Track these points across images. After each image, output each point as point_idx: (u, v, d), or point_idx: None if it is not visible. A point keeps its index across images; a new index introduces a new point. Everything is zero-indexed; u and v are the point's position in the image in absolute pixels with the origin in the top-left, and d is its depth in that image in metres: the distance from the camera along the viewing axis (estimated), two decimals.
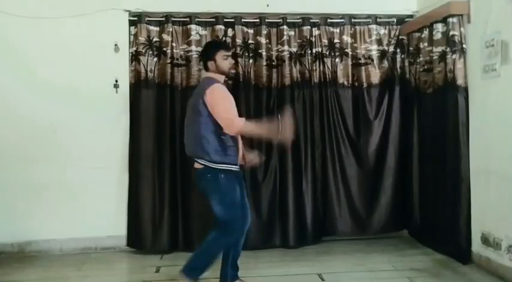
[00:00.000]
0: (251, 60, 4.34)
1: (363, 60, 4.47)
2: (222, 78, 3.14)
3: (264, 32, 4.33)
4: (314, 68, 4.41)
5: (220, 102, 2.99)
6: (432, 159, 4.11)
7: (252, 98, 4.32)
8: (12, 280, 3.59)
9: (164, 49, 4.24)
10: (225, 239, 3.08)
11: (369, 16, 4.46)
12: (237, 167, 3.09)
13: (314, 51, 4.42)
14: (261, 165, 4.32)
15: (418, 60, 4.30)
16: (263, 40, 4.33)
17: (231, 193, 3.04)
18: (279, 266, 3.83)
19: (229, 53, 3.21)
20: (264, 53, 4.34)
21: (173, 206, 4.20)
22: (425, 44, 4.13)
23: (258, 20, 4.34)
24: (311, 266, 3.79)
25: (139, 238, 4.21)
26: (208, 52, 3.17)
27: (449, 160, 3.83)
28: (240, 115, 3.11)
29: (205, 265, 3.11)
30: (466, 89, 3.73)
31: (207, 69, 3.17)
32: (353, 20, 4.45)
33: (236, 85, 4.30)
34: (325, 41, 4.43)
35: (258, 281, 3.45)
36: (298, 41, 4.40)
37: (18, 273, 3.71)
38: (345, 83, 4.46)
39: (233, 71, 3.24)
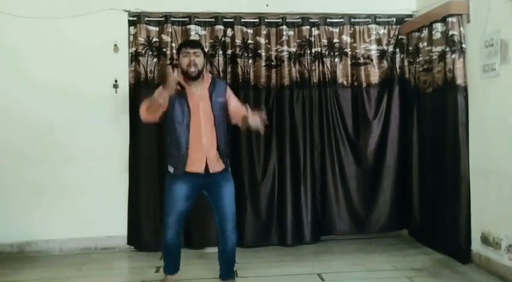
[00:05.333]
0: (250, 61, 4.34)
1: (362, 60, 4.47)
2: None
3: (264, 32, 4.33)
4: (313, 68, 4.42)
5: None
6: (432, 158, 4.11)
7: (251, 98, 4.32)
8: (12, 280, 3.59)
9: (164, 50, 4.24)
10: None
11: (368, 16, 4.46)
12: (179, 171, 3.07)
13: (313, 51, 4.42)
14: (260, 165, 4.35)
15: (417, 60, 4.30)
16: (262, 40, 4.33)
17: (167, 194, 3.15)
18: (279, 265, 3.83)
19: (190, 51, 3.05)
20: (263, 53, 4.34)
21: None
22: (425, 43, 4.13)
23: (257, 20, 4.34)
24: (311, 266, 3.79)
25: (140, 237, 4.22)
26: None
27: (449, 160, 3.83)
28: None
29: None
30: (465, 89, 3.73)
31: None
32: (352, 20, 4.45)
33: (235, 85, 4.30)
34: (324, 40, 4.43)
35: (258, 281, 3.44)
36: (298, 41, 4.40)
37: (18, 274, 3.71)
38: (344, 82, 4.47)
39: (192, 69, 3.01)
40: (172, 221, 3.12)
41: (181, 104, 3.05)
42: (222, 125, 3.15)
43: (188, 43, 3.24)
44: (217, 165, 3.12)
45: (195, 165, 3.07)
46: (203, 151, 3.06)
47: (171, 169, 3.12)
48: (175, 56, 4.24)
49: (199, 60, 3.06)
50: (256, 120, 3.01)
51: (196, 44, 3.19)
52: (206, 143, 3.07)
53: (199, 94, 3.10)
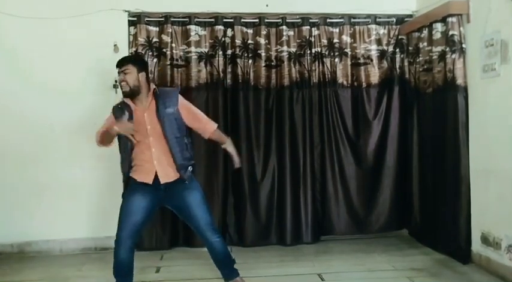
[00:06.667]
0: (250, 61, 4.34)
1: (362, 60, 4.48)
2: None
3: (263, 32, 4.34)
4: (313, 68, 4.42)
5: None
6: (432, 158, 4.11)
7: (251, 98, 4.33)
8: (12, 281, 3.59)
9: (164, 50, 4.24)
10: None
11: (368, 16, 4.47)
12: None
13: (313, 51, 4.42)
14: (260, 165, 4.35)
15: (417, 60, 4.30)
16: (262, 40, 4.33)
17: (121, 206, 3.07)
18: (279, 265, 3.83)
19: (119, 70, 3.04)
20: (263, 54, 4.34)
21: None
22: (425, 43, 4.13)
23: (257, 20, 4.34)
24: (311, 266, 3.79)
25: (139, 238, 4.21)
26: None
27: (449, 160, 3.83)
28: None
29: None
30: (465, 89, 3.73)
31: None
32: (352, 20, 4.46)
33: (235, 86, 4.32)
34: (324, 41, 4.43)
35: (258, 281, 3.44)
36: (298, 41, 4.40)
37: (18, 274, 3.71)
38: (344, 83, 4.47)
39: (123, 89, 3.00)
40: (125, 236, 2.96)
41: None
42: (177, 135, 3.02)
43: (118, 62, 3.12)
44: (170, 176, 3.01)
45: (143, 175, 3.00)
46: (152, 163, 2.98)
47: (123, 177, 3.08)
48: (175, 56, 4.27)
49: (130, 77, 2.98)
50: (233, 152, 3.14)
51: (126, 61, 3.10)
52: (156, 154, 2.99)
53: (144, 106, 3.04)
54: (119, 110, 3.05)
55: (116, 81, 4.22)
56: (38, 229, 4.17)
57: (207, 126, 3.18)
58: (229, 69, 4.34)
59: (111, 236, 4.21)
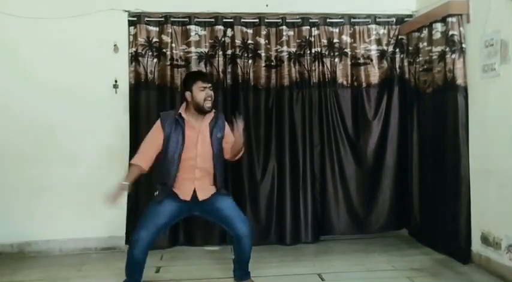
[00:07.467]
0: (250, 61, 4.34)
1: (362, 60, 4.47)
2: (184, 110, 3.12)
3: (263, 32, 4.34)
4: (313, 68, 4.42)
5: None
6: (432, 158, 4.11)
7: (251, 99, 4.33)
8: (12, 281, 3.58)
9: (164, 50, 4.24)
10: None
11: (368, 16, 4.47)
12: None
13: (313, 51, 4.42)
14: (260, 165, 4.35)
15: (417, 60, 4.30)
16: (262, 40, 4.33)
17: (150, 207, 3.09)
18: (279, 265, 3.82)
19: (207, 85, 3.08)
20: (263, 54, 4.34)
21: None
22: (425, 43, 4.13)
23: (257, 20, 4.34)
24: (311, 266, 3.78)
25: None
26: (186, 82, 3.16)
27: (449, 160, 3.83)
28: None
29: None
30: (465, 89, 3.73)
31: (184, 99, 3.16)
32: (352, 20, 4.45)
33: (235, 86, 4.31)
34: (324, 41, 4.43)
35: (258, 281, 3.44)
36: (298, 41, 4.40)
37: (18, 274, 3.71)
38: (344, 83, 4.47)
39: (209, 105, 3.05)
40: (145, 236, 2.96)
41: (177, 135, 3.05)
42: (220, 159, 3.15)
43: (205, 78, 3.17)
44: (208, 194, 3.10)
45: (181, 193, 3.06)
46: (193, 183, 3.06)
47: (157, 195, 3.10)
48: (175, 56, 4.26)
49: (213, 95, 3.10)
50: (239, 132, 3.04)
51: (211, 79, 3.25)
52: (199, 175, 3.06)
53: (199, 128, 3.09)
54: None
55: (115, 81, 4.23)
56: (38, 229, 4.17)
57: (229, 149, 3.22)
58: (229, 69, 4.33)
59: (111, 236, 4.27)
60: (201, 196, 3.07)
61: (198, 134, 3.07)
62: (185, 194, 3.06)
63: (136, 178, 3.12)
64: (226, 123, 3.22)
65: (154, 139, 3.11)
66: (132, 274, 3.03)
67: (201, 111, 3.08)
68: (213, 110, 3.16)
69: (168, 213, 3.03)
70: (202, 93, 3.04)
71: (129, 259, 2.99)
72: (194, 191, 3.06)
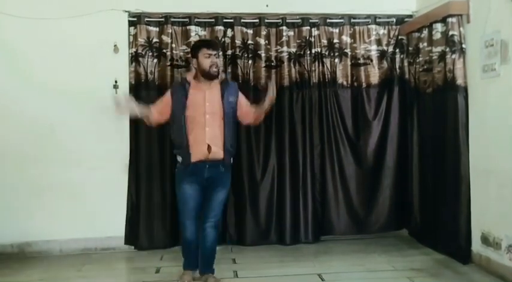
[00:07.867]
0: (250, 61, 4.35)
1: (362, 61, 4.48)
2: (192, 76, 3.24)
3: (263, 32, 4.34)
4: (313, 68, 4.42)
5: None
6: (432, 159, 4.11)
7: (251, 99, 4.30)
8: (12, 281, 3.59)
9: (164, 51, 4.24)
10: None
11: (368, 16, 4.47)
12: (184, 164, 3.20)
13: (313, 51, 4.42)
14: (260, 165, 4.35)
15: (417, 60, 4.30)
16: (262, 41, 4.34)
17: (178, 193, 3.30)
18: (279, 265, 3.82)
19: (212, 52, 3.16)
20: (263, 54, 4.35)
21: (173, 206, 4.20)
22: (425, 44, 4.14)
23: (257, 21, 4.35)
24: (311, 266, 3.78)
25: (138, 236, 4.23)
26: (192, 49, 3.28)
27: (449, 160, 3.83)
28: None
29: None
30: (465, 89, 3.73)
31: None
32: (352, 20, 4.46)
33: None
34: (324, 41, 4.44)
35: (258, 281, 3.44)
36: (298, 41, 4.40)
37: (18, 274, 3.71)
38: (344, 83, 4.47)
39: (214, 70, 3.15)
40: (188, 223, 3.23)
41: (181, 96, 3.18)
42: (231, 122, 3.24)
43: (210, 44, 3.28)
44: (218, 154, 3.18)
45: (198, 154, 3.15)
46: (205, 141, 3.14)
47: (179, 158, 3.23)
48: (175, 57, 4.27)
49: (219, 62, 3.21)
50: (271, 95, 3.18)
51: (217, 45, 3.32)
52: (209, 133, 3.14)
53: (206, 89, 3.19)
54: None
55: (116, 82, 4.23)
56: (38, 229, 4.17)
57: (248, 113, 3.34)
58: (229, 70, 4.34)
59: (111, 236, 4.27)
60: (213, 155, 3.15)
61: (204, 93, 3.17)
62: (200, 152, 3.14)
63: (143, 115, 3.28)
64: (240, 92, 3.34)
65: (164, 99, 3.29)
66: (188, 255, 3.34)
67: (207, 76, 3.17)
68: (224, 75, 3.30)
69: (194, 196, 3.20)
70: (207, 60, 3.13)
71: (184, 242, 3.32)
72: (209, 148, 3.13)
